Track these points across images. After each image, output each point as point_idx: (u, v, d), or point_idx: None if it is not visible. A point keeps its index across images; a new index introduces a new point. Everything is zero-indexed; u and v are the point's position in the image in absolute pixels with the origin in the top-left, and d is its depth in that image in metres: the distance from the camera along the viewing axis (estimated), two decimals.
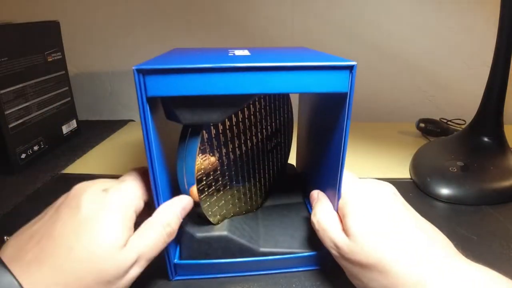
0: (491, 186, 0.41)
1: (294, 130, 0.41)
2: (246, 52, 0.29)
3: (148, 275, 0.25)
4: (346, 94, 0.24)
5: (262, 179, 0.36)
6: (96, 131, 0.67)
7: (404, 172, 0.48)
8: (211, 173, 0.29)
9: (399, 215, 0.25)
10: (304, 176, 0.41)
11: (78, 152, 0.57)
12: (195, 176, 0.27)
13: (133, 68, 0.22)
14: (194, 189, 0.28)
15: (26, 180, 0.48)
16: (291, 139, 0.41)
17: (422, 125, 0.60)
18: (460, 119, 0.62)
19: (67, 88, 0.61)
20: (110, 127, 0.69)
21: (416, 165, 0.47)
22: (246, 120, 0.31)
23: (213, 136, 0.28)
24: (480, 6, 0.62)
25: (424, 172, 0.45)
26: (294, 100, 0.39)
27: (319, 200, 0.30)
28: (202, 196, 0.28)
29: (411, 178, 0.46)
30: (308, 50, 0.34)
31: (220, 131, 0.28)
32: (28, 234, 0.23)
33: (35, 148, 0.53)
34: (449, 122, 0.62)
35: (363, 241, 0.24)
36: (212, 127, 0.28)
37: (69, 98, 0.61)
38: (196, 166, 0.27)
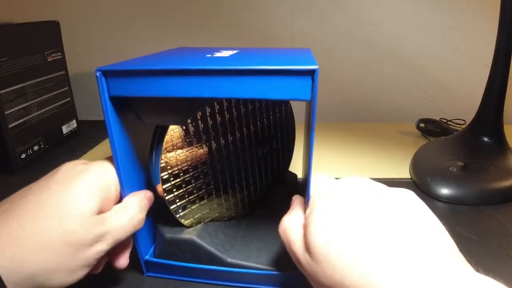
0: (491, 186, 0.41)
1: (300, 138, 0.39)
2: (227, 53, 0.29)
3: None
4: (309, 102, 0.22)
5: (251, 186, 0.34)
6: (96, 131, 0.67)
7: (404, 172, 0.48)
8: (181, 174, 0.28)
9: (376, 217, 0.20)
10: (301, 185, 0.40)
11: (78, 152, 0.57)
12: (159, 176, 0.27)
13: (95, 69, 0.23)
14: (159, 188, 0.28)
15: (26, 180, 0.48)
16: (292, 146, 0.40)
17: (422, 125, 0.60)
18: (460, 119, 0.62)
19: (67, 88, 0.61)
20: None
21: (416, 165, 0.47)
22: (227, 123, 0.30)
23: (183, 137, 0.27)
24: (480, 6, 0.62)
25: (424, 172, 0.45)
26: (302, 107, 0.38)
27: (292, 207, 0.26)
28: (169, 198, 0.28)
29: (411, 178, 0.46)
30: (299, 53, 0.32)
31: (192, 132, 0.28)
32: (5, 199, 0.23)
33: (35, 148, 0.53)
34: (449, 122, 0.62)
35: (324, 260, 0.20)
36: (181, 128, 0.27)
37: (69, 98, 0.61)
38: (161, 166, 0.27)
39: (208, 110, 0.28)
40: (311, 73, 0.21)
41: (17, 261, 0.20)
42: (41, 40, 0.54)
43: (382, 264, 0.18)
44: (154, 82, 0.23)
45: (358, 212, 0.21)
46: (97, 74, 0.23)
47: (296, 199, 0.27)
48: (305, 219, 0.23)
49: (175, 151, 0.27)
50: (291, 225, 0.24)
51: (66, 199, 0.22)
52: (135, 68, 0.23)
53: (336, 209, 0.22)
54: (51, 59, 0.56)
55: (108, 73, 0.23)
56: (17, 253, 0.20)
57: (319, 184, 0.25)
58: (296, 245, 0.23)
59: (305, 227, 0.22)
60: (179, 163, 0.28)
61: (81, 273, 0.23)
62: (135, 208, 0.26)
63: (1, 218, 0.21)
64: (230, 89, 0.22)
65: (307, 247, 0.21)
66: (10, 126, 0.48)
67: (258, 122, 0.33)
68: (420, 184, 0.44)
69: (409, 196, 0.23)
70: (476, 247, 0.33)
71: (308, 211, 0.23)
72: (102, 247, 0.23)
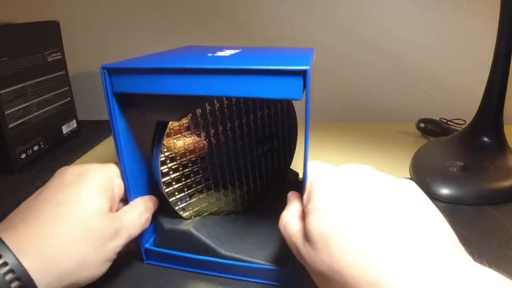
0: (491, 186, 0.41)
1: (302, 137, 0.39)
2: (228, 53, 0.29)
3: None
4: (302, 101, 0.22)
5: (251, 183, 0.35)
6: (96, 131, 0.67)
7: (404, 172, 0.48)
8: (180, 168, 0.29)
9: (377, 207, 0.20)
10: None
11: (78, 152, 0.57)
12: (159, 171, 0.28)
13: (100, 66, 0.25)
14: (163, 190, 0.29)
15: (26, 180, 0.48)
16: (294, 145, 0.40)
17: (422, 125, 0.60)
18: (460, 119, 0.62)
19: (67, 88, 0.61)
20: (110, 127, 0.69)
21: (416, 165, 0.47)
22: (227, 120, 0.31)
23: (183, 132, 0.29)
24: (479, 6, 0.62)
25: (424, 172, 0.45)
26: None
27: (289, 202, 0.26)
28: (168, 190, 0.29)
29: (411, 178, 0.46)
30: (299, 52, 0.32)
31: (192, 128, 0.29)
32: (16, 209, 0.24)
33: (35, 148, 0.53)
34: (449, 122, 0.62)
35: (323, 249, 0.19)
36: (182, 124, 0.28)
37: (69, 98, 0.61)
38: (160, 160, 0.28)
39: (208, 107, 0.29)
40: (303, 73, 0.21)
41: (46, 262, 0.21)
42: (41, 40, 0.54)
43: (383, 256, 0.17)
44: (153, 79, 0.24)
45: (359, 201, 0.20)
46: (102, 71, 0.25)
47: (292, 195, 0.27)
48: (304, 206, 0.23)
49: (175, 146, 0.29)
50: (290, 219, 0.24)
51: (80, 199, 0.24)
52: (136, 66, 0.24)
53: (336, 197, 0.21)
54: (51, 59, 0.56)
55: (112, 71, 0.25)
56: (46, 255, 0.21)
57: (316, 170, 0.24)
58: (296, 236, 0.22)
59: (305, 215, 0.22)
60: (178, 157, 0.29)
61: (104, 267, 0.24)
62: (141, 207, 0.28)
63: (23, 224, 0.22)
64: (222, 88, 0.23)
65: (307, 236, 0.21)
66: (10, 126, 0.48)
67: (259, 121, 0.34)
68: (420, 184, 0.43)
69: (410, 187, 0.22)
70: (476, 247, 0.32)
71: (305, 197, 0.23)
72: (120, 241, 0.25)
